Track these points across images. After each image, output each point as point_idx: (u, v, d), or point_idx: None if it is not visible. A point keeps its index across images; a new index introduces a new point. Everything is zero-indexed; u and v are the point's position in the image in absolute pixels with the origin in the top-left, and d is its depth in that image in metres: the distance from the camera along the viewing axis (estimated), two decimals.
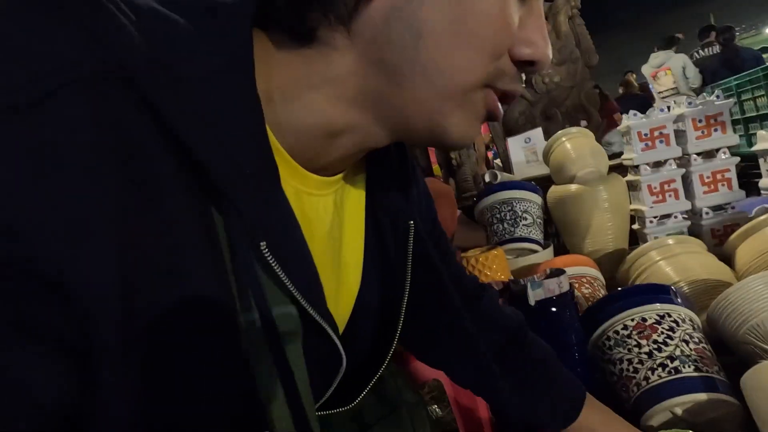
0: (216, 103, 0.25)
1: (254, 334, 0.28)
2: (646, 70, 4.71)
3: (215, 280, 0.26)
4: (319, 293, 0.33)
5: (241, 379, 0.27)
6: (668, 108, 1.21)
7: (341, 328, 0.40)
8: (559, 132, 1.32)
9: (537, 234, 1.29)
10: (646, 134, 1.18)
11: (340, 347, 0.36)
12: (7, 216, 0.19)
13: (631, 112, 1.23)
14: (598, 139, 2.16)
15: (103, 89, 0.21)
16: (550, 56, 0.32)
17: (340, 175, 0.37)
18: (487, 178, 1.70)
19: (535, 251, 1.25)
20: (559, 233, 1.39)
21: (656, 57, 4.52)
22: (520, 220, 1.29)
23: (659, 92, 4.66)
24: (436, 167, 2.27)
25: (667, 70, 4.46)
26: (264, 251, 0.27)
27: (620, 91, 5.82)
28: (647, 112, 1.21)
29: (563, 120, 1.98)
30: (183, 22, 0.25)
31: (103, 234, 0.21)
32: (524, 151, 1.63)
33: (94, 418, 0.22)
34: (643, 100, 5.83)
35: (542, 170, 1.56)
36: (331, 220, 0.37)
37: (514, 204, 1.31)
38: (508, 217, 1.30)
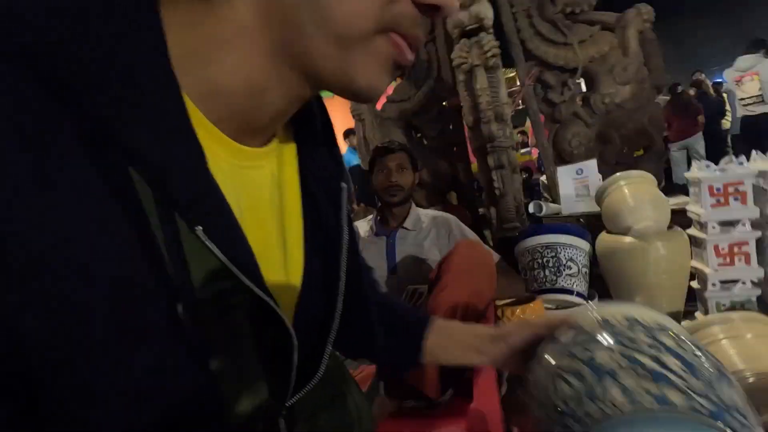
0: (132, 85, 0.25)
1: (197, 308, 0.28)
2: (730, 74, 4.23)
3: (146, 262, 0.26)
4: (256, 269, 0.32)
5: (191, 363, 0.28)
6: (746, 159, 1.07)
7: (294, 302, 0.40)
8: (618, 175, 1.21)
9: (581, 285, 1.20)
10: (718, 189, 1.06)
11: (286, 321, 0.35)
12: None
13: (703, 162, 1.10)
14: (660, 161, 1.99)
15: (5, 70, 0.22)
16: (456, 3, 0.32)
17: (272, 145, 0.38)
18: (531, 209, 1.61)
19: (577, 305, 1.17)
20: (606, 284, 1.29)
21: (744, 60, 4.04)
22: (564, 269, 1.20)
23: (741, 99, 4.20)
24: (452, 194, 2.18)
25: (754, 75, 3.99)
26: (201, 235, 0.27)
27: (692, 92, 5.34)
28: (722, 163, 1.07)
29: (621, 144, 1.83)
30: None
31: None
32: (575, 183, 1.52)
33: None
34: (718, 105, 5.32)
35: (593, 207, 1.45)
36: (270, 190, 0.38)
37: (559, 250, 1.22)
38: (551, 264, 1.22)
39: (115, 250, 0.24)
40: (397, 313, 0.59)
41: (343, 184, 0.43)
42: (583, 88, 2.08)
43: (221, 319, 0.32)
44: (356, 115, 2.14)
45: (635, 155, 1.82)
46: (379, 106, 2.20)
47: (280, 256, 0.39)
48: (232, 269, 0.30)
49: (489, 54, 1.39)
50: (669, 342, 0.36)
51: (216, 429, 0.31)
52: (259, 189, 0.37)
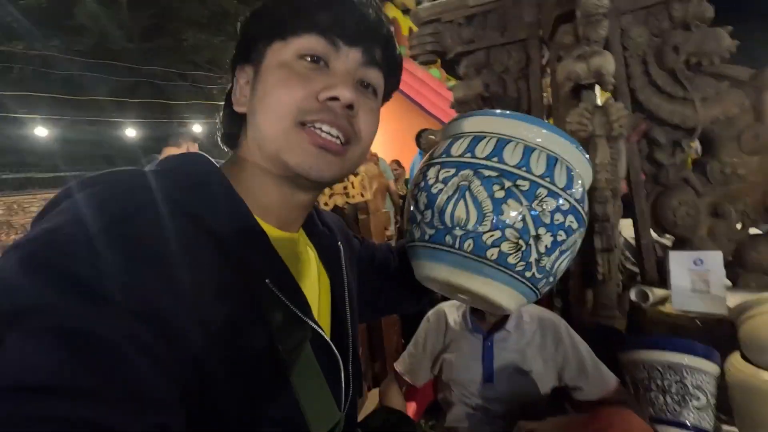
0: (226, 215, 0.45)
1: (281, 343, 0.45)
2: None
3: (249, 320, 0.43)
4: (307, 306, 0.49)
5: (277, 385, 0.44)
6: None
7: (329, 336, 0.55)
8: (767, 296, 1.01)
9: (708, 422, 1.03)
10: None
11: (332, 345, 0.51)
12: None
13: None
14: None
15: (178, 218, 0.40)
16: (348, 95, 0.48)
17: (297, 234, 0.57)
18: (633, 297, 1.42)
19: None
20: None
21: None
22: (691, 399, 1.03)
23: None
24: None
25: None
26: (269, 285, 0.44)
27: None
28: None
29: (737, 220, 1.60)
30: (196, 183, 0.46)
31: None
32: (691, 274, 1.32)
33: None
34: None
35: (714, 308, 1.26)
36: (306, 259, 0.56)
37: (685, 374, 1.05)
38: (673, 390, 1.05)
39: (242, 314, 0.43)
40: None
41: (339, 245, 0.63)
42: (699, 150, 1.83)
43: (295, 354, 0.47)
44: (426, 148, 1.96)
45: (751, 234, 1.58)
46: None
47: (317, 299, 0.57)
48: (293, 309, 0.46)
49: (617, 125, 1.19)
50: None
51: None
52: (301, 258, 0.55)
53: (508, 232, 0.46)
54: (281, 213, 0.53)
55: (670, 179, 1.65)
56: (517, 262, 0.48)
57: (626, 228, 1.99)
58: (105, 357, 0.30)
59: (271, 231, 0.51)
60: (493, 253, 0.47)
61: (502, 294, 0.50)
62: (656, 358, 1.08)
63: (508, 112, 0.54)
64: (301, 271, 0.55)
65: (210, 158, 0.50)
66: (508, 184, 0.47)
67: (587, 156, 0.55)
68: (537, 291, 0.52)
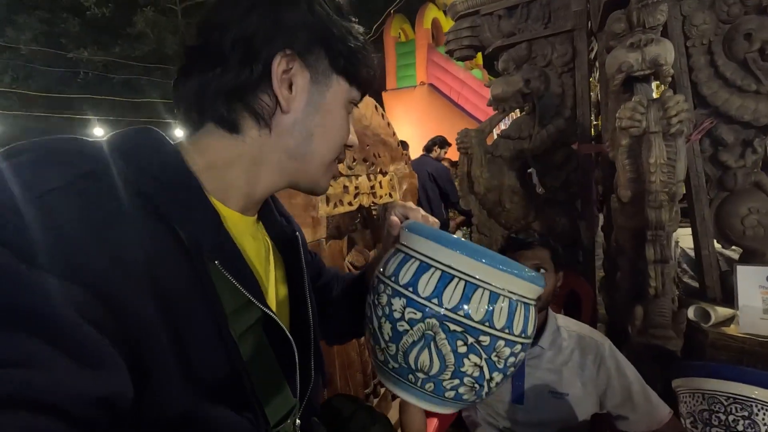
0: (177, 192, 0.44)
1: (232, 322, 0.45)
2: None
3: (198, 295, 0.43)
4: (258, 289, 0.49)
5: (224, 360, 0.44)
6: None
7: (287, 321, 0.59)
8: None
9: None
10: None
11: (285, 329, 0.51)
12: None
13: None
14: None
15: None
16: (356, 142, 0.60)
17: (254, 218, 0.58)
18: (691, 315, 1.26)
19: None
20: None
21: None
22: None
23: None
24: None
25: None
26: (218, 266, 0.44)
27: None
28: None
29: None
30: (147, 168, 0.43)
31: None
32: (762, 293, 1.15)
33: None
34: None
35: None
36: (261, 243, 0.58)
37: (755, 410, 0.90)
38: (740, 428, 0.90)
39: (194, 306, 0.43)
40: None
41: (297, 234, 0.64)
42: None
43: (246, 338, 0.48)
44: (463, 149, 1.86)
45: None
46: (489, 140, 1.91)
47: (274, 286, 0.58)
48: (243, 291, 0.46)
49: (676, 120, 1.05)
50: None
51: None
52: (256, 242, 0.57)
53: (467, 380, 0.48)
54: (245, 199, 0.53)
55: (738, 183, 1.46)
56: (470, 397, 0.51)
57: (684, 238, 1.79)
58: (56, 328, 0.30)
59: (228, 212, 0.51)
60: (450, 395, 0.50)
61: (452, 408, 0.54)
62: (720, 389, 0.93)
63: (480, 249, 0.51)
64: (256, 254, 0.55)
65: (164, 136, 0.48)
66: (471, 340, 0.48)
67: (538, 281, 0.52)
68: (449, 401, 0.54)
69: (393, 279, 0.53)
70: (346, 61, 0.52)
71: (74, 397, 0.29)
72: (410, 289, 0.51)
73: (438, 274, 0.51)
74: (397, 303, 0.52)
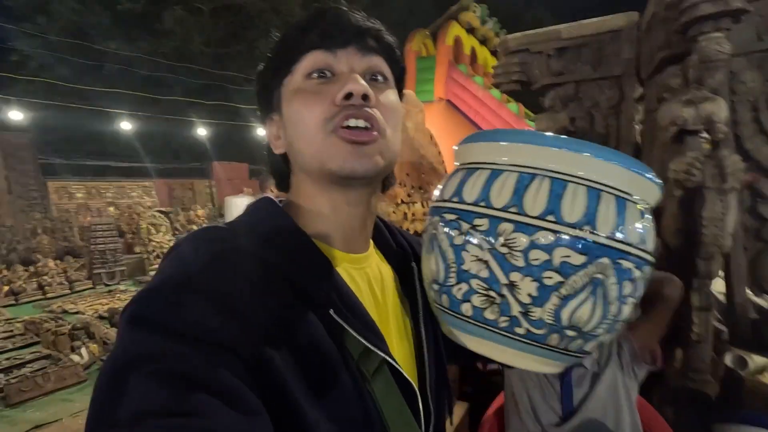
0: (287, 251, 0.49)
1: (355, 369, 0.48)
2: None
3: (327, 348, 0.46)
4: (378, 334, 0.50)
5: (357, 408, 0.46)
6: None
7: (410, 361, 0.58)
8: None
9: None
10: None
11: (404, 373, 0.51)
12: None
13: None
14: None
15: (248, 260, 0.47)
16: (358, 87, 0.50)
17: (370, 250, 0.60)
18: (729, 362, 1.31)
19: None
20: None
21: None
22: None
23: None
24: None
25: None
26: (333, 315, 0.47)
27: None
28: None
29: None
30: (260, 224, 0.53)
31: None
32: None
33: None
34: None
35: None
36: (377, 279, 0.58)
37: None
38: None
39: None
40: None
41: (413, 265, 0.61)
42: None
43: (375, 380, 0.49)
44: None
45: None
46: None
47: (398, 324, 0.58)
48: (359, 338, 0.47)
49: (731, 177, 1.11)
50: None
51: None
52: (373, 278, 0.57)
53: (474, 283, 0.40)
54: (344, 233, 0.56)
55: None
56: (498, 318, 0.41)
57: (714, 283, 1.84)
58: (202, 385, 0.36)
59: (336, 254, 0.55)
60: (467, 309, 0.42)
61: (504, 355, 0.44)
62: None
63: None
64: (371, 291, 0.56)
65: (274, 199, 0.57)
66: (465, 226, 0.41)
67: (623, 158, 0.42)
68: (554, 349, 0.43)
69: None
70: (274, 74, 0.55)
71: None
72: (434, 197, 0.50)
73: (451, 174, 0.48)
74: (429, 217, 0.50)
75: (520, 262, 0.38)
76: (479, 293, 0.41)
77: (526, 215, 0.39)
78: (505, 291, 0.40)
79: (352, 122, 0.50)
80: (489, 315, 0.41)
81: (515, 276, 0.39)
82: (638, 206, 0.42)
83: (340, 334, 0.47)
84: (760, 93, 1.52)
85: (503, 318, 0.41)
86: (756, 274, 1.55)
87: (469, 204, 0.42)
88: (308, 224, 0.54)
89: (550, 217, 0.39)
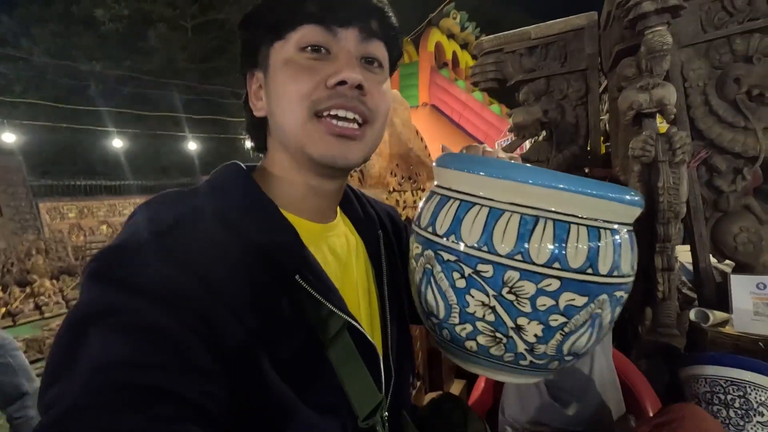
0: (255, 217, 0.49)
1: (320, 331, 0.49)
2: None
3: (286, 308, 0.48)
4: (340, 298, 0.51)
5: (319, 368, 0.49)
6: None
7: (371, 323, 0.60)
8: None
9: None
10: None
11: (366, 334, 0.52)
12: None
13: None
14: None
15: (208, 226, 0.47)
16: (354, 76, 0.49)
17: (336, 219, 0.61)
18: (692, 317, 1.46)
19: None
20: None
21: None
22: (755, 415, 1.07)
23: None
24: None
25: None
26: (299, 280, 0.47)
27: None
28: None
29: None
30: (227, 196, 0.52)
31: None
32: (752, 298, 1.35)
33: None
34: None
35: None
36: (345, 247, 0.59)
37: (748, 391, 1.09)
38: (737, 405, 1.09)
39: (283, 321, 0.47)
40: None
41: (379, 233, 0.65)
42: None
43: (334, 343, 0.50)
44: None
45: None
46: None
47: (363, 289, 0.60)
48: (323, 302, 0.48)
49: (680, 152, 1.27)
50: None
51: None
52: (338, 247, 0.58)
53: (480, 325, 0.40)
54: (312, 205, 0.56)
55: (730, 206, 1.68)
56: (503, 354, 0.41)
57: (683, 254, 2.01)
58: (166, 341, 0.37)
59: (303, 224, 0.55)
60: (471, 346, 0.42)
61: (498, 375, 0.45)
62: (719, 374, 1.13)
63: (478, 157, 0.45)
64: (337, 259, 0.57)
65: (242, 165, 0.56)
66: (468, 271, 0.39)
67: (611, 190, 0.41)
68: (548, 371, 0.45)
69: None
70: (263, 31, 0.52)
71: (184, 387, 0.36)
72: (417, 222, 0.48)
73: (437, 199, 0.46)
74: (412, 240, 0.49)
75: (527, 309, 0.38)
76: (485, 334, 0.40)
77: (533, 263, 0.38)
78: (512, 333, 0.39)
79: (341, 113, 0.49)
80: (495, 352, 0.41)
81: (522, 320, 0.38)
82: (627, 231, 0.42)
83: (301, 300, 0.48)
84: (707, 78, 1.70)
85: (509, 354, 0.41)
86: (716, 241, 1.71)
87: (470, 247, 0.39)
88: (276, 192, 0.54)
89: (556, 265, 0.38)
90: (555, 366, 0.44)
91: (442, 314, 0.43)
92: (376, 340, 0.57)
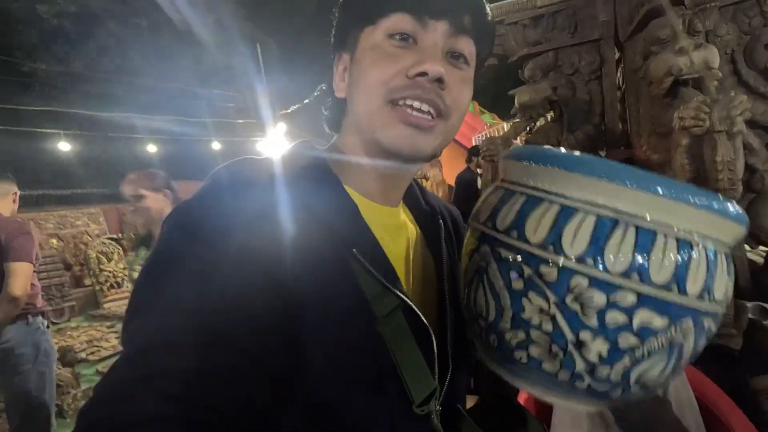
0: (318, 189, 0.52)
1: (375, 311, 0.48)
2: None
3: (347, 285, 0.48)
4: (396, 276, 0.51)
5: (370, 344, 0.48)
6: None
7: (433, 312, 0.59)
8: None
9: None
10: None
11: (420, 315, 0.51)
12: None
13: None
14: None
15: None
16: (435, 69, 0.49)
17: (396, 208, 0.61)
18: (751, 314, 1.27)
19: None
20: None
21: None
22: None
23: None
24: None
25: None
26: (356, 253, 0.48)
27: None
28: None
29: None
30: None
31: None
32: None
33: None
34: None
35: None
36: (405, 232, 0.61)
37: None
38: None
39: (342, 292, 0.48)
40: None
41: (440, 222, 0.64)
42: None
43: (388, 321, 0.49)
44: (488, 157, 1.86)
45: None
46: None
47: (418, 278, 0.60)
48: (378, 277, 0.49)
49: (739, 118, 1.07)
50: None
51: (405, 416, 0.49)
52: (397, 231, 0.60)
53: (534, 334, 0.36)
54: (378, 188, 0.57)
55: (765, 185, 1.52)
56: (558, 371, 0.37)
57: None
58: (231, 298, 0.40)
59: (365, 202, 0.56)
60: (521, 357, 0.38)
61: (548, 396, 0.41)
62: None
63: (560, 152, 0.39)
64: (396, 243, 0.58)
65: (314, 146, 0.59)
66: (528, 272, 0.36)
67: (717, 203, 0.36)
68: (608, 399, 0.40)
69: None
70: (356, 15, 0.55)
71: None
72: (475, 216, 0.46)
73: (501, 191, 0.43)
74: (468, 233, 0.48)
75: (593, 322, 0.34)
76: (539, 345, 0.36)
77: (606, 272, 0.34)
78: (571, 348, 0.35)
79: (416, 104, 0.50)
80: (548, 367, 0.37)
81: (585, 335, 0.34)
82: (725, 254, 0.37)
83: (357, 274, 0.48)
84: (736, 45, 1.53)
85: (564, 372, 0.37)
86: (751, 223, 1.55)
87: (533, 245, 0.36)
88: (343, 171, 0.56)
89: (635, 276, 0.34)
90: (617, 395, 0.39)
91: (491, 317, 0.40)
92: (432, 328, 0.54)
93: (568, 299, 0.34)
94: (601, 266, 0.34)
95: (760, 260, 1.63)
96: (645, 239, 0.34)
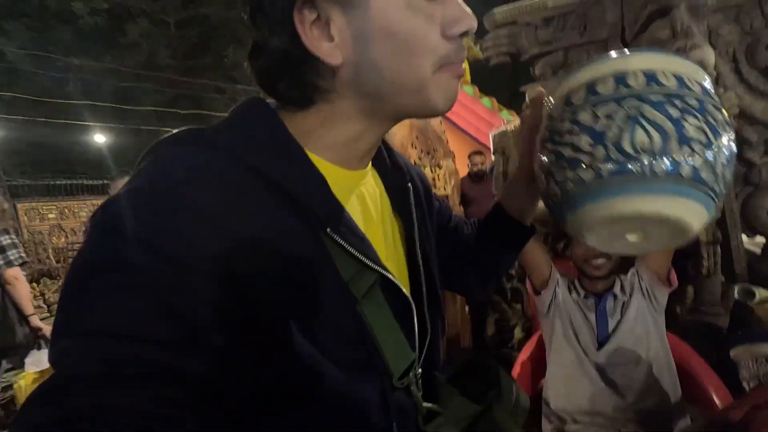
0: (281, 162, 0.44)
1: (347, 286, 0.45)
2: None
3: (312, 261, 0.43)
4: (374, 251, 0.48)
5: (348, 322, 0.45)
6: None
7: (404, 277, 0.57)
8: None
9: None
10: None
11: (402, 288, 0.50)
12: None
13: None
14: None
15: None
16: (474, 23, 0.45)
17: (365, 169, 0.54)
18: (737, 295, 1.37)
19: None
20: None
21: None
22: None
23: None
24: None
25: None
26: (330, 233, 0.43)
27: None
28: None
29: None
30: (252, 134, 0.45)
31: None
32: None
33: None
34: None
35: None
36: (375, 196, 0.55)
37: None
38: None
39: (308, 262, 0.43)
40: (481, 226, 0.73)
41: (409, 185, 0.59)
42: None
43: (367, 299, 0.46)
44: (500, 150, 1.98)
45: None
46: None
47: (389, 243, 0.56)
48: (358, 256, 0.45)
49: (728, 114, 1.17)
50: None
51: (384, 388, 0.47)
52: (368, 196, 0.54)
53: (697, 147, 0.45)
54: (360, 152, 0.51)
55: (762, 179, 1.60)
56: (708, 176, 0.46)
57: None
58: (171, 308, 0.34)
59: (333, 169, 0.48)
60: (687, 171, 0.45)
61: (693, 214, 0.48)
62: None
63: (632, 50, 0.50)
64: (366, 211, 0.53)
65: (268, 105, 0.48)
66: (679, 104, 0.46)
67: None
68: (717, 204, 0.50)
69: (560, 115, 0.49)
70: None
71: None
72: (589, 99, 0.49)
73: (611, 79, 0.49)
74: (583, 115, 0.49)
75: (723, 131, 0.45)
76: (698, 156, 0.45)
77: (715, 101, 0.46)
78: (712, 155, 0.45)
79: (458, 59, 0.46)
80: (704, 175, 0.45)
81: (723, 140, 0.45)
82: (694, 77, 0.49)
83: (331, 254, 0.44)
84: (737, 45, 1.61)
85: (710, 176, 0.45)
86: (747, 216, 1.63)
87: (673, 89, 0.45)
88: (311, 140, 0.47)
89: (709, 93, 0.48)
90: (721, 199, 0.49)
91: (658, 146, 0.46)
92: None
93: (708, 116, 0.44)
94: (712, 97, 0.46)
95: (757, 250, 1.71)
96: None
